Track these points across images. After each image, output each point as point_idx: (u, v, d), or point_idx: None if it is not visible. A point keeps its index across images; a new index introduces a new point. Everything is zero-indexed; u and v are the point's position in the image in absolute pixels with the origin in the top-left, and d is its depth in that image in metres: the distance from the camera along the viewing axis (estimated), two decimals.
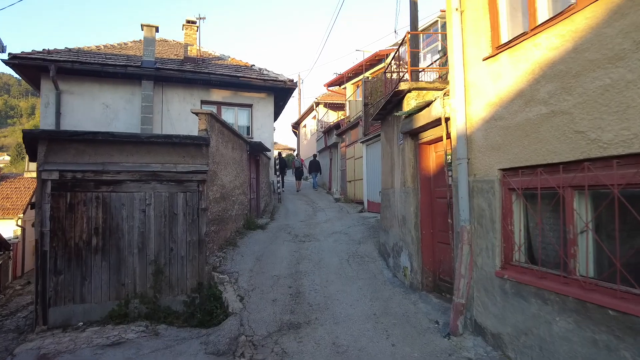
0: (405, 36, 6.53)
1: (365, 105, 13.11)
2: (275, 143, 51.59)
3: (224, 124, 7.79)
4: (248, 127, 14.24)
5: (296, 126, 35.39)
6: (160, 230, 6.23)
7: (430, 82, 5.70)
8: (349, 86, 21.97)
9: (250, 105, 14.43)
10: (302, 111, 33.46)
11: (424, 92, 5.63)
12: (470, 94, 4.18)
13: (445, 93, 4.59)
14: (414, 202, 5.49)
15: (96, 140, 5.98)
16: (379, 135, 11.25)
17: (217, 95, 14.10)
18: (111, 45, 15.05)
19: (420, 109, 5.07)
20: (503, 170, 3.73)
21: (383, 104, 6.37)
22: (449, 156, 5.01)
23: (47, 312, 5.53)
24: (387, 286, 5.80)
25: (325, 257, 7.29)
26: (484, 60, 3.94)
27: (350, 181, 15.28)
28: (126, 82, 12.57)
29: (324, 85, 22.95)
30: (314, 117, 29.02)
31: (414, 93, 5.64)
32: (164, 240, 6.24)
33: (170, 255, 6.26)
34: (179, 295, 6.23)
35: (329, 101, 26.25)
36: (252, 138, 12.64)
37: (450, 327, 4.16)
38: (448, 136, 4.56)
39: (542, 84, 3.18)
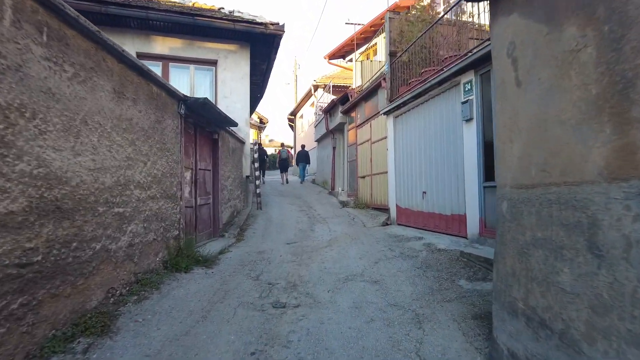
0: None
1: (392, 54, 8.24)
2: (271, 140, 46.50)
3: (63, 14, 2.89)
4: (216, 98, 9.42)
5: (292, 118, 30.66)
6: None
7: None
8: (356, 58, 17.09)
9: (214, 63, 9.59)
10: (299, 99, 28.75)
11: None
12: None
13: None
14: None
15: None
16: (422, 93, 6.30)
17: (163, 45, 9.24)
18: None
19: None
20: None
21: None
22: None
23: None
24: None
25: None
26: None
27: (363, 177, 10.41)
28: None
29: (325, 57, 18.08)
30: (312, 104, 24.25)
31: None
32: None
33: None
34: None
35: (331, 83, 21.34)
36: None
37: None
38: None
39: None
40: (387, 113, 8.14)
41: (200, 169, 6.53)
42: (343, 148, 12.87)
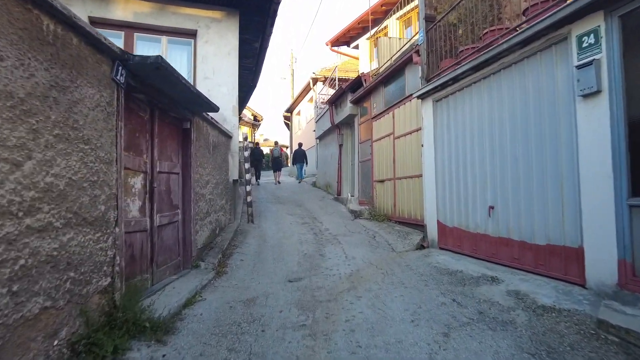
0: None
1: (429, 19, 6.14)
2: (266, 139, 44.39)
3: None
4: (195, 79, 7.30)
5: (288, 115, 28.51)
6: None
7: None
8: (364, 43, 15.02)
9: (192, 34, 7.46)
10: (296, 94, 26.56)
11: None
12: None
13: None
14: None
15: None
16: (488, 61, 4.07)
17: (125, 9, 7.09)
18: None
19: None
20: None
21: None
22: None
23: None
24: None
25: None
26: None
27: (382, 181, 8.31)
28: None
29: (327, 44, 15.96)
30: (311, 100, 22.17)
31: None
32: None
33: None
34: None
35: (331, 76, 19.12)
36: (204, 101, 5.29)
37: None
38: None
39: None
40: (422, 97, 6.04)
41: (161, 171, 4.39)
42: (352, 145, 10.76)
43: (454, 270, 4.54)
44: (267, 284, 4.52)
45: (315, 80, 20.77)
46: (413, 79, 6.90)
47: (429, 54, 6.13)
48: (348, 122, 10.98)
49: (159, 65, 3.34)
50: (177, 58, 7.45)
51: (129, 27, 7.09)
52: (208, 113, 5.63)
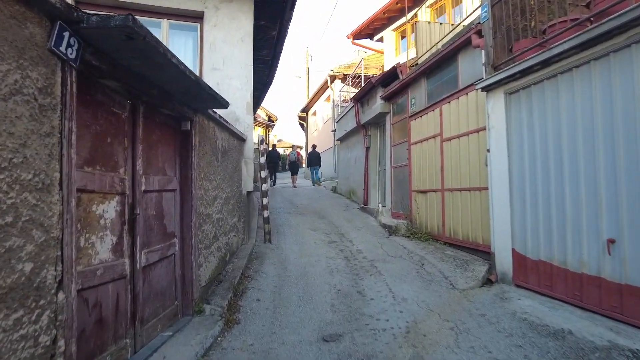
0: None
1: None
2: (280, 140, 43.25)
3: None
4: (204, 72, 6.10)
5: (303, 116, 27.26)
6: None
7: None
8: (389, 35, 13.68)
9: (199, 17, 6.26)
10: (311, 93, 25.28)
11: None
12: None
13: None
14: None
15: None
16: (614, 32, 2.65)
17: None
18: None
19: None
20: None
21: None
22: None
23: None
24: None
25: None
26: None
27: (424, 192, 6.97)
28: None
29: (348, 37, 14.63)
30: (328, 99, 20.91)
31: None
32: None
33: None
34: None
35: (354, 73, 17.66)
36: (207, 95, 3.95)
37: None
38: None
39: None
40: (489, 88, 4.70)
41: (148, 190, 3.17)
42: (383, 148, 9.43)
43: (557, 330, 3.19)
44: (295, 346, 3.25)
45: (333, 78, 19.47)
46: (469, 67, 5.56)
47: (495, 34, 4.79)
48: (377, 121, 9.65)
49: (130, 31, 2.10)
50: (181, 45, 6.28)
51: (122, 9, 5.93)
52: (215, 110, 4.41)
